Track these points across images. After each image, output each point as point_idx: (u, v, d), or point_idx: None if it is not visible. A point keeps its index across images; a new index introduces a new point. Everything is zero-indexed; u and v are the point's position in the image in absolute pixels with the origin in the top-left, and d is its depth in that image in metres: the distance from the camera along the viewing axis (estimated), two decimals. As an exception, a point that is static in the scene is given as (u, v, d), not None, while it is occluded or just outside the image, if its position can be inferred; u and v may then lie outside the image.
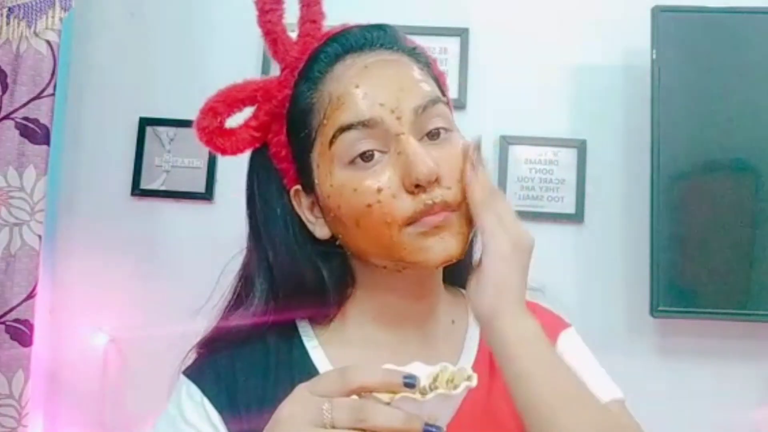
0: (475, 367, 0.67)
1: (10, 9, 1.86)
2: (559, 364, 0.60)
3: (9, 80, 1.86)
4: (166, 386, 0.70)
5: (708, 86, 1.75)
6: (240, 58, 1.93)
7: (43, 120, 1.86)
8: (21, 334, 1.81)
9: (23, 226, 1.84)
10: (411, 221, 0.60)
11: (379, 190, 0.60)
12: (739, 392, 1.77)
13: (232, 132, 0.69)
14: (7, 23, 1.86)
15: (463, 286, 0.75)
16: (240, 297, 0.70)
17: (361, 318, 0.70)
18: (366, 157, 0.61)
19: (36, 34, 1.86)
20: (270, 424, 0.50)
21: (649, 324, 1.80)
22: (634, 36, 1.85)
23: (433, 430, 0.47)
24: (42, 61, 1.86)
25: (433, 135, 0.63)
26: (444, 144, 0.63)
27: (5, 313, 1.81)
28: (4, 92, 1.86)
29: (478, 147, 0.64)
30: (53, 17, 1.87)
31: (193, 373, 0.68)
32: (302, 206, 0.68)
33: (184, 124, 1.92)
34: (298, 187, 0.68)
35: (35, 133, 1.85)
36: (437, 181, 0.60)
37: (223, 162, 1.95)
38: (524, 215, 1.92)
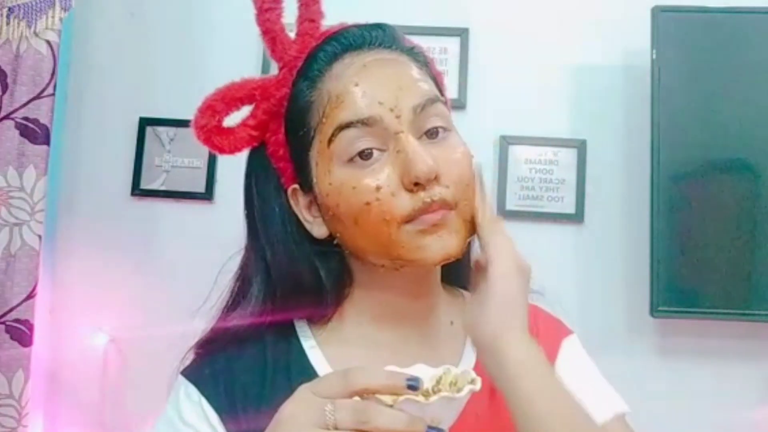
0: (476, 369, 0.67)
1: (10, 9, 1.86)
2: (560, 389, 0.59)
3: (9, 80, 1.86)
4: (166, 386, 0.70)
5: (708, 86, 1.74)
6: (240, 58, 1.92)
7: (43, 120, 1.86)
8: (21, 334, 1.81)
9: (23, 226, 1.84)
10: (409, 219, 0.60)
11: (378, 188, 0.60)
12: (739, 392, 1.77)
13: (230, 131, 0.69)
14: (7, 23, 1.86)
15: (462, 286, 0.76)
16: (238, 297, 0.70)
17: (359, 318, 0.69)
18: (365, 155, 0.61)
19: (36, 34, 1.86)
20: (272, 425, 0.50)
21: (649, 324, 1.80)
22: (634, 36, 1.84)
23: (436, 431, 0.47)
24: (42, 61, 1.86)
25: (431, 134, 0.63)
26: (442, 143, 0.64)
27: (5, 313, 1.81)
28: (4, 92, 1.86)
29: (479, 171, 0.65)
30: (53, 17, 1.87)
31: (191, 373, 0.68)
32: (300, 205, 0.68)
33: (184, 124, 1.90)
34: (296, 186, 0.68)
35: (35, 133, 1.85)
36: (436, 179, 0.60)
37: (223, 162, 1.95)
38: (524, 215, 1.96)
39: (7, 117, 1.85)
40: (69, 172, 2.02)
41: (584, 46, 1.92)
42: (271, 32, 0.69)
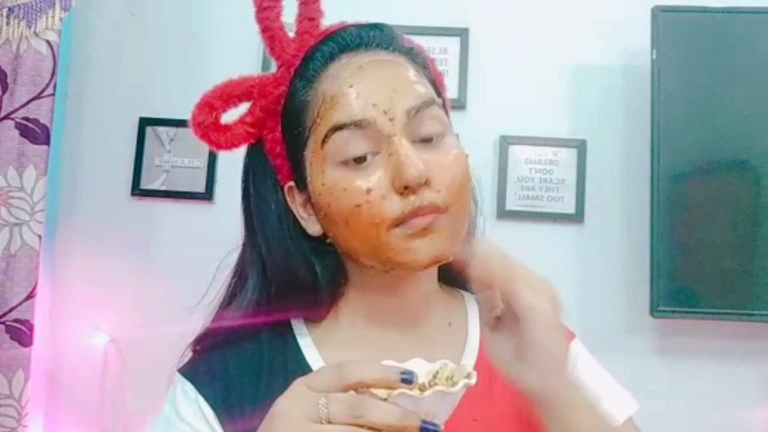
0: (475, 370, 0.67)
1: (10, 9, 1.86)
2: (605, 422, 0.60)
3: (9, 80, 1.86)
4: (165, 386, 0.70)
5: (708, 86, 1.74)
6: (240, 58, 1.92)
7: (43, 120, 1.86)
8: (21, 334, 1.81)
9: (23, 226, 1.84)
10: (399, 222, 0.60)
11: (369, 191, 0.60)
12: (739, 392, 1.77)
13: (227, 127, 0.69)
14: (7, 23, 1.86)
15: (460, 287, 0.76)
16: (234, 292, 0.71)
17: (354, 317, 0.70)
18: (359, 159, 0.61)
19: (36, 34, 1.86)
20: (266, 420, 0.50)
21: (649, 324, 1.80)
22: (634, 36, 1.85)
23: (430, 427, 0.47)
24: (42, 61, 1.86)
25: (427, 139, 0.63)
26: (437, 146, 0.63)
27: (5, 313, 1.81)
28: (4, 92, 1.86)
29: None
30: (53, 17, 1.87)
31: (188, 371, 0.68)
32: (296, 202, 0.68)
33: (184, 124, 1.88)
34: (292, 183, 0.68)
35: (35, 133, 1.85)
36: (427, 183, 0.60)
37: (223, 162, 1.95)
38: (524, 215, 1.95)
39: (7, 117, 1.85)
40: (69, 172, 2.02)
41: (584, 46, 1.92)
42: (269, 30, 0.69)
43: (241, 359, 0.67)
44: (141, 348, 1.86)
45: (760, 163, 1.72)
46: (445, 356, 0.55)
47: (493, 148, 1.91)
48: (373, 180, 0.61)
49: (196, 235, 1.93)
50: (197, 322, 0.72)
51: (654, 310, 1.71)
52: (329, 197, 0.63)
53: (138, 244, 1.96)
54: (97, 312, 1.92)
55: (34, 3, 1.86)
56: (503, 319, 0.59)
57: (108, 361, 1.90)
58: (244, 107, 0.70)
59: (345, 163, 0.62)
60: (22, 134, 1.85)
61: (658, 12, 1.76)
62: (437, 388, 0.48)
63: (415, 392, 0.47)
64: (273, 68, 0.71)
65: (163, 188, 1.98)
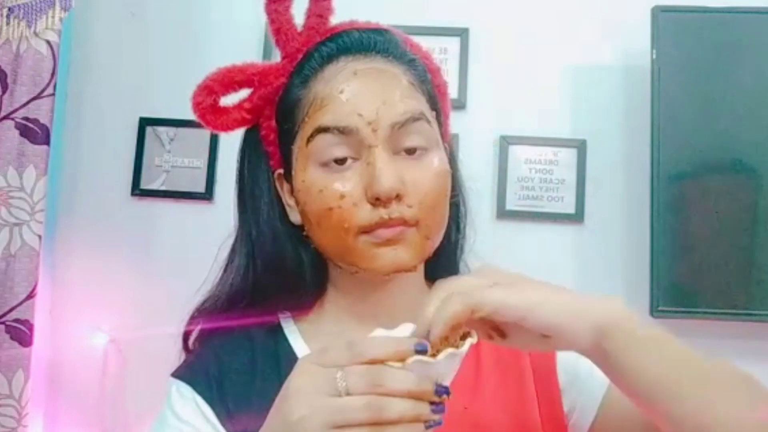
0: (462, 364, 0.68)
1: (10, 9, 1.86)
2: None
3: (9, 80, 1.86)
4: (165, 386, 0.70)
5: (708, 86, 1.74)
6: (240, 58, 1.91)
7: (43, 120, 1.86)
8: (21, 334, 1.81)
9: (23, 226, 1.84)
10: (366, 230, 0.62)
11: (342, 197, 0.62)
12: (739, 392, 1.77)
13: (225, 110, 0.71)
14: (7, 23, 1.86)
15: None
16: (225, 269, 0.73)
17: (339, 313, 0.71)
18: (339, 161, 0.63)
19: (36, 34, 1.86)
20: (279, 401, 0.50)
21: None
22: (634, 36, 1.85)
23: (442, 390, 0.48)
24: (42, 61, 1.86)
25: (410, 150, 0.64)
26: (418, 161, 0.64)
27: (5, 313, 1.81)
28: (4, 92, 1.86)
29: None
30: (53, 17, 1.87)
31: (182, 372, 0.69)
32: (284, 189, 0.70)
33: (184, 124, 1.92)
34: (281, 171, 0.70)
35: (35, 133, 1.85)
36: (398, 197, 0.62)
37: (223, 162, 1.95)
38: (524, 215, 1.95)
39: (7, 117, 1.85)
40: (69, 172, 2.02)
41: (584, 46, 1.92)
42: (277, 22, 0.70)
43: (233, 356, 0.69)
44: (141, 348, 1.86)
45: (759, 164, 1.72)
46: None
47: (493, 148, 1.91)
48: (348, 186, 0.62)
49: (196, 235, 1.93)
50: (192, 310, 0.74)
51: (654, 310, 1.71)
52: (306, 196, 0.65)
53: (138, 244, 1.96)
54: (97, 312, 1.92)
55: (34, 3, 1.86)
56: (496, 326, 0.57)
57: (108, 361, 1.90)
58: (245, 91, 0.72)
59: (325, 164, 0.64)
60: (22, 134, 1.85)
61: (658, 12, 1.76)
62: (448, 350, 0.49)
63: (430, 358, 0.48)
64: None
65: (163, 188, 1.98)
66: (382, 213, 0.62)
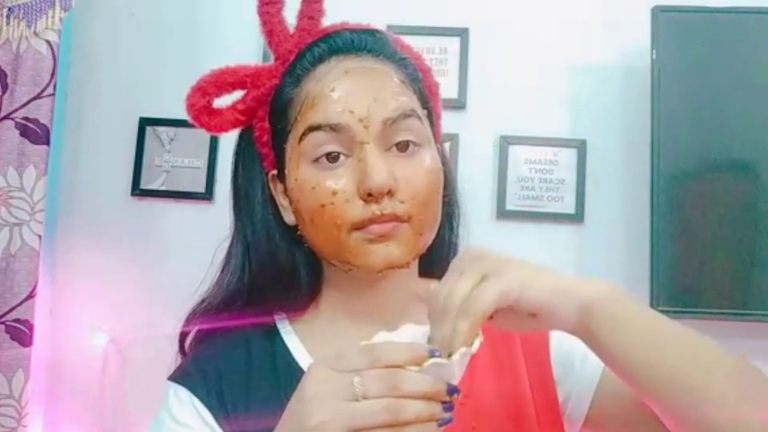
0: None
1: (10, 9, 1.86)
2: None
3: (9, 80, 1.86)
4: (165, 386, 0.70)
5: (708, 86, 1.74)
6: (240, 58, 1.91)
7: (43, 120, 1.86)
8: (21, 334, 1.81)
9: (23, 226, 1.84)
10: (359, 227, 0.63)
11: (335, 193, 0.63)
12: (739, 392, 1.77)
13: (218, 112, 0.71)
14: (7, 23, 1.86)
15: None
16: (223, 272, 0.73)
17: (334, 313, 0.71)
18: (331, 157, 0.64)
19: (36, 34, 1.86)
20: (295, 406, 0.51)
21: (649, 324, 1.80)
22: (634, 36, 1.85)
23: (453, 389, 0.50)
24: (42, 61, 1.86)
25: (402, 147, 0.65)
26: (410, 158, 0.65)
27: (5, 313, 1.81)
28: (4, 92, 1.86)
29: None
30: (53, 17, 1.87)
31: (179, 376, 0.69)
32: (277, 190, 0.71)
33: (184, 124, 1.90)
34: (275, 172, 0.70)
35: (35, 133, 1.85)
36: (390, 193, 0.63)
37: (223, 162, 1.95)
38: (524, 215, 1.95)
39: (7, 117, 1.85)
40: (69, 172, 2.02)
41: (584, 46, 1.92)
42: (269, 24, 0.71)
43: (229, 358, 0.69)
44: (141, 348, 1.86)
45: (760, 163, 1.72)
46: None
47: (493, 148, 1.91)
48: (340, 183, 0.63)
49: (196, 235, 1.92)
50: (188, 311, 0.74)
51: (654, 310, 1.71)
52: (299, 193, 0.65)
53: (138, 244, 1.96)
54: (97, 312, 1.92)
55: (34, 3, 1.86)
56: None
57: (108, 361, 1.90)
58: (239, 93, 0.72)
59: (317, 162, 0.64)
60: (22, 134, 1.85)
61: (658, 12, 1.76)
62: (461, 350, 0.51)
63: (445, 360, 0.50)
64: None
65: (163, 188, 1.98)
66: (375, 209, 0.62)
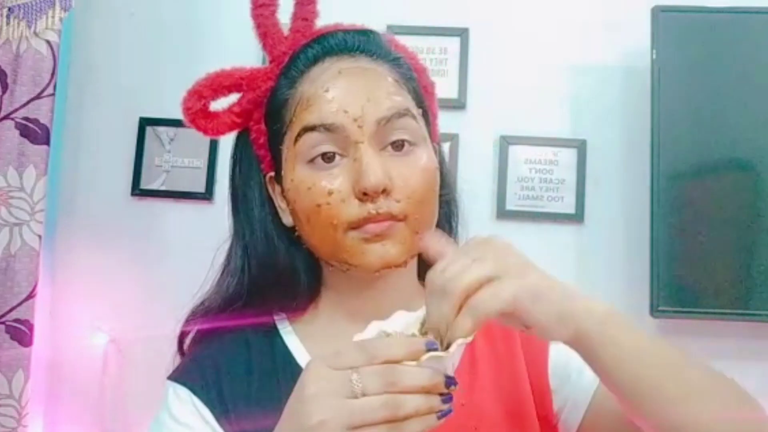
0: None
1: (10, 9, 1.86)
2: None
3: (9, 80, 1.86)
4: (165, 386, 0.70)
5: (708, 86, 1.74)
6: (240, 58, 1.91)
7: (43, 120, 1.86)
8: (21, 334, 1.81)
9: (23, 226, 1.84)
10: (355, 226, 0.63)
11: (330, 193, 0.63)
12: (739, 392, 1.77)
13: (215, 115, 0.72)
14: (7, 23, 1.86)
15: None
16: (223, 273, 0.73)
17: (333, 313, 0.72)
18: (327, 158, 0.64)
19: (36, 34, 1.86)
20: (294, 405, 0.51)
21: (649, 324, 1.79)
22: (634, 36, 1.85)
23: (451, 381, 0.50)
24: (42, 61, 1.86)
25: (397, 146, 0.65)
26: (405, 157, 0.65)
27: (5, 313, 1.81)
28: (4, 92, 1.86)
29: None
30: (53, 17, 1.87)
31: (179, 375, 0.69)
32: (275, 192, 0.71)
33: (184, 124, 1.92)
34: (272, 174, 0.71)
35: (35, 133, 1.85)
36: (386, 192, 0.63)
37: (223, 162, 1.94)
38: (524, 215, 1.95)
39: (7, 117, 1.85)
40: (69, 172, 2.02)
41: (584, 46, 1.92)
42: (263, 27, 0.71)
43: (229, 357, 0.69)
44: (141, 348, 1.86)
45: (760, 163, 1.72)
46: None
47: (493, 148, 1.91)
48: (336, 183, 0.63)
49: (196, 235, 1.92)
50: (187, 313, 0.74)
51: (654, 310, 1.71)
52: (295, 194, 0.66)
53: (138, 244, 1.96)
54: (97, 312, 1.92)
55: (34, 3, 1.86)
56: None
57: (108, 361, 1.90)
58: (236, 96, 0.72)
59: (313, 162, 0.64)
60: (22, 134, 1.85)
61: (658, 12, 1.76)
62: (458, 341, 0.50)
63: (443, 353, 0.50)
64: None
65: (163, 188, 1.98)
66: (370, 208, 0.63)
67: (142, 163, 1.98)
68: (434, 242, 0.59)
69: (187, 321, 0.73)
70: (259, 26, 0.71)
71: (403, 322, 0.56)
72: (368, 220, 0.63)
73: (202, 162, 1.96)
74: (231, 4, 1.99)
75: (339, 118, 0.63)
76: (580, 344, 0.56)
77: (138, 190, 1.98)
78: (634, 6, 1.84)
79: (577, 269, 1.86)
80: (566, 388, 0.71)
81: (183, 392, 0.67)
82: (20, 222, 1.84)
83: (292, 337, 0.71)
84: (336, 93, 0.64)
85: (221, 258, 0.74)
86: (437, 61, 1.92)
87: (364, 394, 0.48)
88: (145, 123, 1.99)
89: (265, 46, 0.71)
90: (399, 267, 0.65)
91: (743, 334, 1.78)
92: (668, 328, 1.81)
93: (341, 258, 0.65)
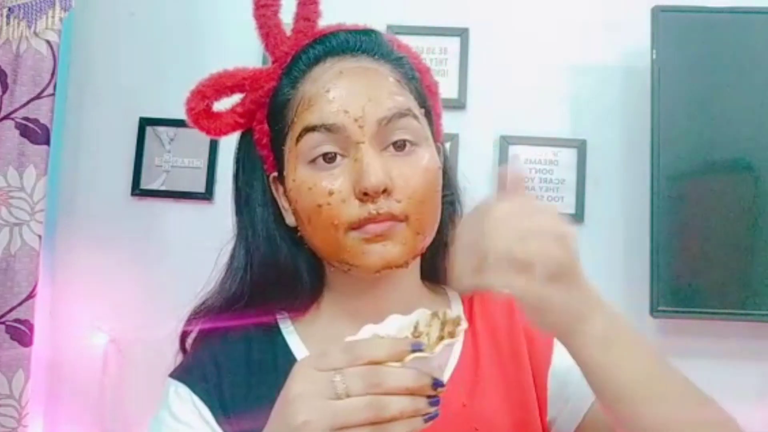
0: (460, 362, 0.69)
1: (10, 9, 1.86)
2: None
3: (9, 80, 1.86)
4: (166, 383, 0.70)
5: (708, 86, 1.74)
6: (240, 58, 1.90)
7: (43, 120, 1.86)
8: (21, 334, 1.81)
9: (23, 226, 1.84)
10: (355, 226, 0.63)
11: (331, 193, 0.63)
12: (740, 392, 1.77)
13: (218, 115, 0.72)
14: (7, 23, 1.86)
15: (444, 283, 0.77)
16: (226, 274, 0.73)
17: (336, 314, 0.72)
18: (328, 158, 0.64)
19: (36, 34, 1.86)
20: (280, 406, 0.51)
21: (649, 324, 1.79)
22: (634, 36, 1.85)
23: (438, 383, 0.49)
24: (42, 61, 1.86)
25: (399, 146, 0.65)
26: (407, 157, 0.65)
27: (5, 313, 1.81)
28: (4, 92, 1.86)
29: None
30: (53, 17, 1.87)
31: (180, 373, 0.69)
32: (279, 193, 0.71)
33: (184, 124, 1.90)
34: (276, 174, 0.71)
35: (35, 133, 1.85)
36: (387, 192, 0.63)
37: (223, 162, 1.95)
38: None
39: (7, 117, 1.85)
40: (69, 172, 2.02)
41: (584, 46, 1.92)
42: (265, 27, 0.71)
43: (231, 356, 0.69)
44: (141, 348, 1.86)
45: (760, 163, 1.72)
46: None
47: (493, 148, 1.91)
48: (336, 183, 0.63)
49: (196, 235, 1.92)
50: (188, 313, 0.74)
51: (654, 310, 1.71)
52: (297, 194, 0.66)
53: (138, 244, 1.96)
54: (97, 312, 1.92)
55: (34, 3, 1.86)
56: None
57: (108, 361, 1.90)
58: (239, 96, 0.72)
59: (314, 162, 0.64)
60: (22, 134, 1.85)
61: (658, 12, 1.76)
62: (444, 342, 0.50)
63: (428, 354, 0.49)
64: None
65: (163, 188, 1.98)
66: (371, 208, 0.62)
67: (142, 163, 1.98)
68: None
69: (189, 320, 0.73)
70: (261, 26, 0.71)
71: (397, 325, 0.55)
72: (369, 220, 0.63)
73: (202, 162, 1.96)
74: (231, 4, 1.99)
75: (340, 118, 0.63)
76: (563, 341, 0.57)
77: (138, 190, 1.98)
78: (634, 6, 1.84)
79: (577, 269, 1.86)
80: (563, 396, 0.71)
81: (184, 391, 0.67)
82: (20, 222, 1.83)
83: (293, 336, 0.71)
84: (337, 93, 0.64)
85: (224, 258, 0.73)
86: (437, 61, 1.92)
87: (348, 395, 0.48)
88: (145, 123, 1.99)
89: (267, 47, 0.71)
90: (400, 267, 0.65)
91: (743, 334, 1.78)
92: (668, 328, 1.81)
93: (342, 258, 0.65)
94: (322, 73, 0.66)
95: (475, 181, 0.79)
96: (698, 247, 1.73)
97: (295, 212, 0.68)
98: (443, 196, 0.69)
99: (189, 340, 0.74)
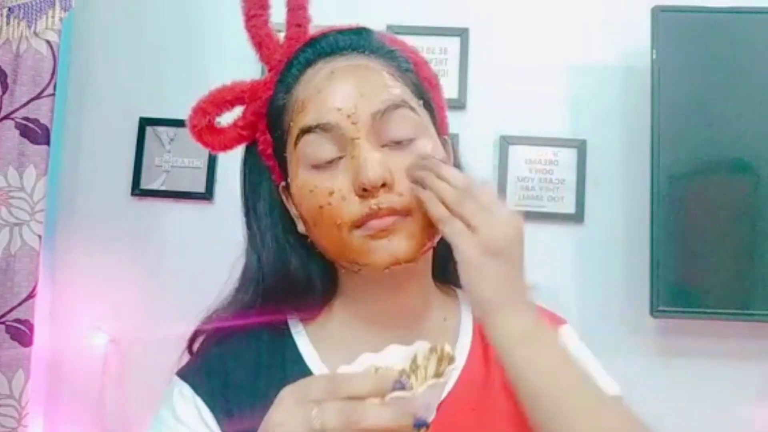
0: (469, 361, 0.69)
1: (10, 9, 1.86)
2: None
3: (9, 80, 1.86)
4: (166, 386, 0.70)
5: (708, 86, 1.74)
6: (240, 57, 1.90)
7: (43, 120, 1.86)
8: (21, 334, 1.81)
9: (23, 226, 1.84)
10: (358, 224, 0.62)
11: (331, 193, 0.63)
12: (740, 392, 1.77)
13: (221, 130, 0.72)
14: (7, 23, 1.86)
15: (455, 284, 0.76)
16: (237, 287, 0.72)
17: (347, 318, 0.71)
18: (328, 160, 0.64)
19: (36, 34, 1.86)
20: (263, 429, 0.50)
21: (649, 324, 1.80)
22: (634, 36, 1.85)
23: (421, 423, 0.47)
24: (42, 61, 1.86)
25: (395, 140, 0.64)
26: (406, 149, 0.64)
27: (5, 313, 1.81)
28: (4, 92, 1.86)
29: (426, 158, 0.64)
30: (53, 17, 1.87)
31: (185, 373, 0.69)
32: (289, 201, 0.70)
33: (184, 124, 1.91)
34: (284, 183, 0.70)
35: (35, 133, 1.85)
36: (387, 186, 0.62)
37: (223, 162, 1.95)
38: (524, 215, 1.93)
39: (7, 117, 1.85)
40: (69, 172, 2.02)
41: (584, 46, 1.92)
42: (257, 37, 0.72)
43: (238, 358, 0.68)
44: (141, 348, 1.86)
45: (760, 163, 1.72)
46: None
47: (493, 148, 1.91)
48: (336, 183, 0.63)
49: (196, 235, 1.93)
50: (197, 322, 0.73)
51: (654, 310, 1.72)
52: (300, 198, 0.66)
53: (138, 244, 1.96)
54: (97, 312, 1.92)
55: (34, 3, 1.86)
56: None
57: (108, 361, 1.90)
58: (240, 110, 0.72)
59: (314, 164, 0.64)
60: (22, 134, 1.85)
61: (658, 12, 1.76)
62: (429, 382, 0.48)
63: (410, 393, 0.47)
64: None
65: (163, 188, 1.98)
66: (371, 204, 0.61)
67: (142, 163, 1.98)
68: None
69: (201, 325, 0.72)
70: (253, 37, 0.72)
71: (395, 356, 0.53)
72: (371, 216, 0.62)
73: (202, 162, 1.96)
74: (231, 4, 1.98)
75: (333, 116, 0.63)
76: (487, 322, 0.61)
77: (138, 190, 1.98)
78: (634, 6, 1.84)
79: (576, 269, 1.86)
80: None
81: (187, 392, 0.66)
82: (20, 222, 1.84)
83: (304, 339, 0.70)
84: (328, 92, 0.64)
85: (227, 260, 0.73)
86: (437, 61, 1.92)
87: (323, 430, 0.46)
88: (145, 123, 1.99)
89: (261, 57, 0.71)
90: (410, 263, 0.64)
91: (743, 334, 1.78)
92: (668, 328, 1.81)
93: (350, 258, 0.64)
94: (314, 75, 0.66)
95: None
96: (698, 247, 1.73)
97: (301, 217, 0.67)
98: None
99: (196, 344, 0.73)
